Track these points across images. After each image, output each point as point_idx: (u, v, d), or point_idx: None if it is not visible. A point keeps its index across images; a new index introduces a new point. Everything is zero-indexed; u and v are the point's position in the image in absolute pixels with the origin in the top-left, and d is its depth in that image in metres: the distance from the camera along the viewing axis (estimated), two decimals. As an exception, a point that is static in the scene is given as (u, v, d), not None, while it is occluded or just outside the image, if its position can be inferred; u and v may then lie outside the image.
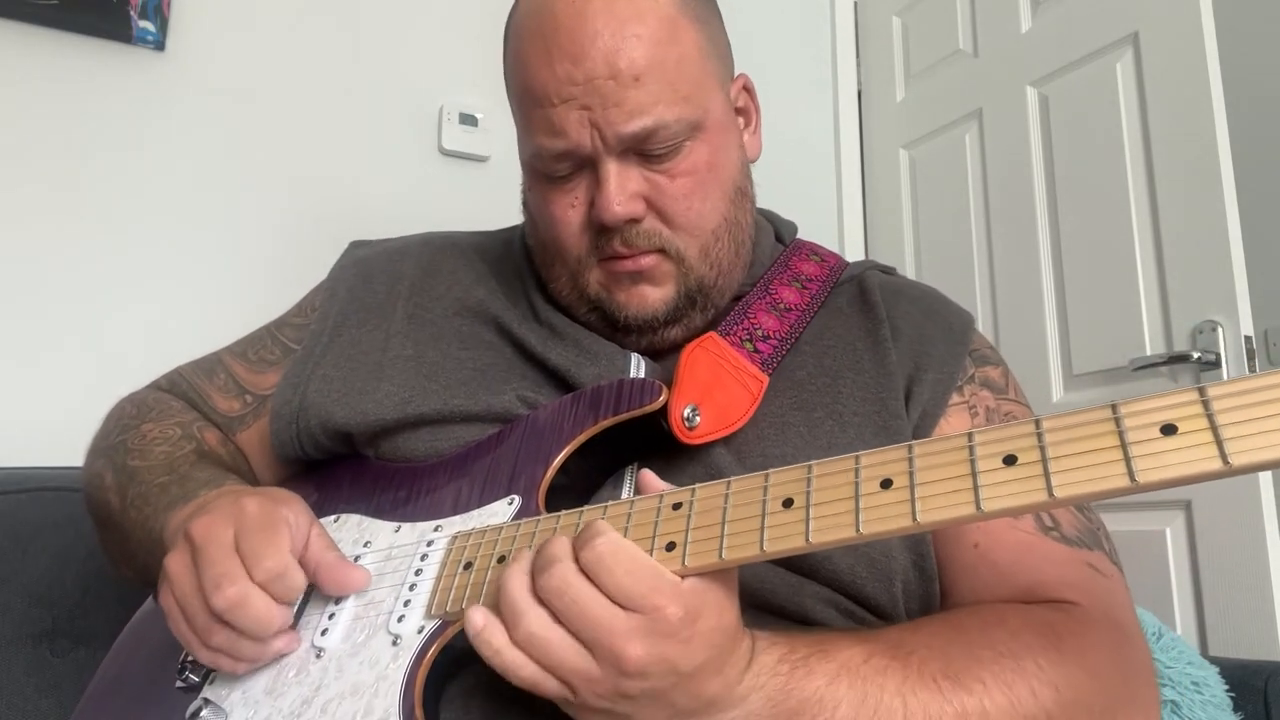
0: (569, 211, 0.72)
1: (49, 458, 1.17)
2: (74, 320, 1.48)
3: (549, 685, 0.49)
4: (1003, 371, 0.79)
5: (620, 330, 0.74)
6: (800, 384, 0.73)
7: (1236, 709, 1.17)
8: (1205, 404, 0.41)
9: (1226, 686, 1.19)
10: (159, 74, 1.60)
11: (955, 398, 0.74)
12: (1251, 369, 1.47)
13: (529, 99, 0.71)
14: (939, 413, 0.73)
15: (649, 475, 0.57)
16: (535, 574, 0.50)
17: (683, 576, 0.49)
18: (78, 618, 1.07)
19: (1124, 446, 0.42)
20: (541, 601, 0.49)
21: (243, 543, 0.59)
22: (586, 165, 0.71)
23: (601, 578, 0.48)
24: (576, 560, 0.49)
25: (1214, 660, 1.23)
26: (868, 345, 0.75)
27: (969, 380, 0.76)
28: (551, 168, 0.71)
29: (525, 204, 0.81)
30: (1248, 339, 1.48)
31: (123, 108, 1.56)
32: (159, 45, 1.60)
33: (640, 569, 0.48)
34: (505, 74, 0.77)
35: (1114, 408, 0.43)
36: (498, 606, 0.51)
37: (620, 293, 0.73)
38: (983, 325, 1.96)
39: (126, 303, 1.52)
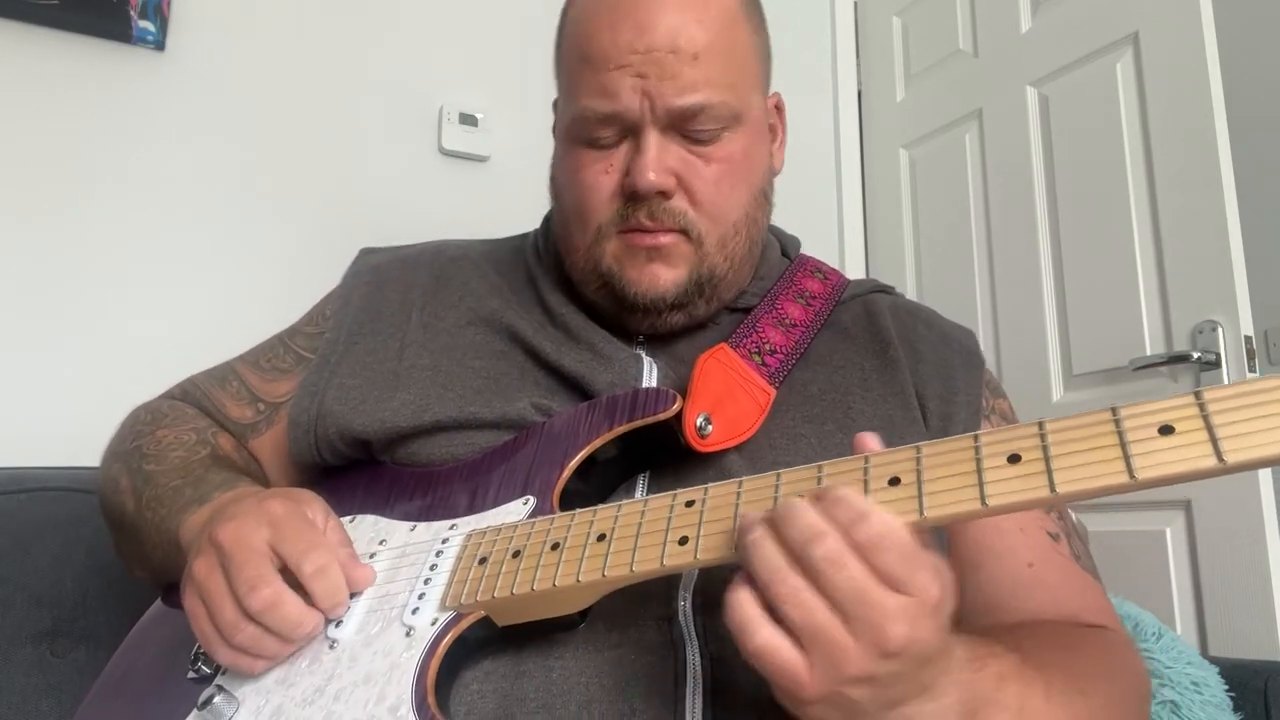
0: (601, 177, 0.73)
1: (49, 458, 1.18)
2: (74, 320, 1.47)
3: (783, 656, 0.46)
4: (1009, 405, 0.82)
5: (626, 309, 0.75)
6: (812, 398, 0.75)
7: (1236, 709, 1.17)
8: (1201, 406, 0.43)
9: (1226, 686, 1.19)
10: (159, 74, 1.60)
11: (985, 425, 0.76)
12: (1251, 369, 1.47)
13: (583, 62, 0.72)
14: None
15: (871, 438, 0.53)
16: (797, 542, 0.47)
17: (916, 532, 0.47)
18: (78, 618, 1.07)
19: (1123, 445, 0.43)
20: (802, 568, 0.46)
21: (281, 546, 0.60)
22: (628, 135, 0.72)
23: (875, 558, 0.46)
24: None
25: (1214, 660, 1.23)
26: (875, 366, 0.78)
27: (992, 411, 0.79)
28: (593, 131, 0.73)
29: (553, 179, 0.81)
30: (1248, 339, 1.48)
31: (123, 108, 1.56)
32: (159, 45, 1.60)
33: (911, 550, 0.46)
34: (559, 38, 0.79)
35: (1114, 410, 0.45)
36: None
37: (633, 269, 0.73)
38: (983, 325, 1.96)
39: (126, 303, 1.52)
